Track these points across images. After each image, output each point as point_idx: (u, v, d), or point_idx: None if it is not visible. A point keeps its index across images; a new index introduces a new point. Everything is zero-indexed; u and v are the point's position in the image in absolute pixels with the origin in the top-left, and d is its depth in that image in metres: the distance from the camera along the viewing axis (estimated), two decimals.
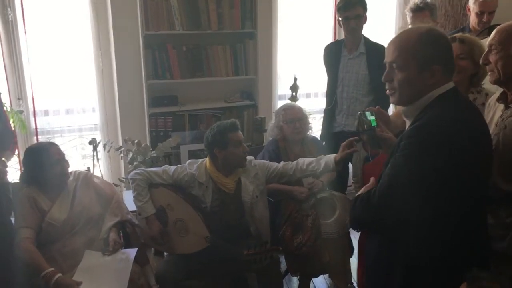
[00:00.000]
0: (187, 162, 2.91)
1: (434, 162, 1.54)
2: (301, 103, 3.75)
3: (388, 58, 1.72)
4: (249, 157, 2.90)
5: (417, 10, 3.47)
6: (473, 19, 3.50)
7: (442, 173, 1.55)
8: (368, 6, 3.41)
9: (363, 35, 3.44)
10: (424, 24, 1.76)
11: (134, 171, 2.86)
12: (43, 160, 2.59)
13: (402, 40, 1.69)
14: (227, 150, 2.74)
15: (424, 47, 1.63)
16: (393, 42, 1.72)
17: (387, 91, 1.77)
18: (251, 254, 2.58)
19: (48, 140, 3.64)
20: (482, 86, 2.43)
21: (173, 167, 2.87)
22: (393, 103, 1.81)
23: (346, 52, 3.48)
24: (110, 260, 2.57)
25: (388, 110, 3.61)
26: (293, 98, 3.96)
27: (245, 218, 2.84)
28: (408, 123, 1.75)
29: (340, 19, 3.37)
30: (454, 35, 2.45)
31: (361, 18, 3.34)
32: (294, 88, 3.97)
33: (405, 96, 1.72)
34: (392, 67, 1.71)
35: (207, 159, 2.84)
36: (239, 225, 2.84)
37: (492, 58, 1.96)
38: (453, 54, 1.71)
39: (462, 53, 2.34)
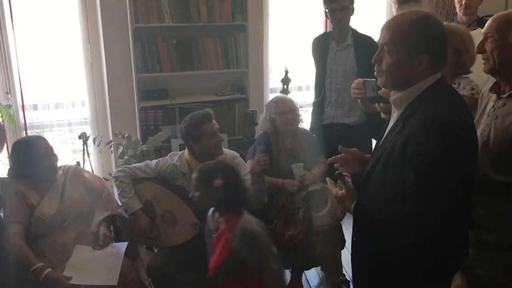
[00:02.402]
0: (169, 154, 2.94)
1: (453, 156, 1.52)
2: (292, 96, 3.73)
3: (381, 39, 1.70)
4: (233, 153, 2.94)
5: (403, 2, 3.45)
6: (457, 8, 3.50)
7: (460, 163, 1.55)
8: None
9: (350, 26, 3.42)
10: None
11: (116, 169, 2.88)
12: (31, 153, 2.57)
13: (396, 24, 1.67)
14: (202, 141, 2.76)
15: (414, 35, 1.61)
16: (388, 24, 1.70)
17: (375, 72, 1.75)
18: None
19: (37, 135, 3.60)
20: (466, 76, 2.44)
21: (154, 161, 2.89)
22: (380, 85, 1.80)
23: (334, 44, 3.46)
24: (101, 254, 2.56)
25: None
26: (285, 91, 3.94)
27: None
28: (396, 113, 1.75)
29: (326, 10, 3.35)
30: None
31: (348, 10, 3.32)
32: (286, 81, 3.95)
33: (390, 80, 1.71)
34: (383, 49, 1.69)
35: (186, 150, 2.86)
36: None
37: (488, 46, 1.94)
38: (446, 45, 1.69)
39: None
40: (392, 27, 1.67)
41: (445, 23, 2.56)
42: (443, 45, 1.68)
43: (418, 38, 1.61)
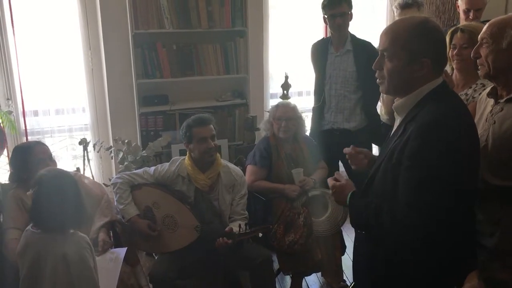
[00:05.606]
0: (172, 159, 2.96)
1: (447, 162, 1.51)
2: (293, 101, 3.73)
3: (380, 45, 1.70)
4: (238, 172, 2.93)
5: (405, 7, 3.47)
6: (461, 17, 3.50)
7: (456, 169, 1.52)
8: (358, 3, 3.40)
9: (349, 32, 3.43)
10: None
11: (116, 176, 2.89)
12: (27, 159, 2.57)
13: (395, 30, 1.67)
14: (192, 145, 2.79)
15: (415, 39, 1.62)
16: (386, 30, 1.70)
17: (377, 79, 1.75)
18: (243, 234, 2.63)
19: (37, 140, 3.60)
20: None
21: (153, 167, 2.92)
22: (382, 92, 1.80)
23: (333, 49, 3.46)
24: (100, 260, 2.53)
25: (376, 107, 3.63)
26: (285, 96, 3.94)
27: (221, 220, 2.87)
28: (398, 119, 1.74)
29: (325, 16, 3.36)
30: (457, 26, 2.58)
31: (347, 16, 3.33)
32: (286, 86, 3.95)
33: (392, 86, 1.70)
34: (383, 55, 1.69)
35: (187, 154, 2.88)
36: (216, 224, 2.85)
37: (483, 52, 1.95)
38: (446, 48, 1.70)
39: (464, 43, 2.48)
40: (392, 33, 1.67)
41: (469, 23, 2.70)
42: (443, 48, 1.68)
43: (418, 42, 1.61)
